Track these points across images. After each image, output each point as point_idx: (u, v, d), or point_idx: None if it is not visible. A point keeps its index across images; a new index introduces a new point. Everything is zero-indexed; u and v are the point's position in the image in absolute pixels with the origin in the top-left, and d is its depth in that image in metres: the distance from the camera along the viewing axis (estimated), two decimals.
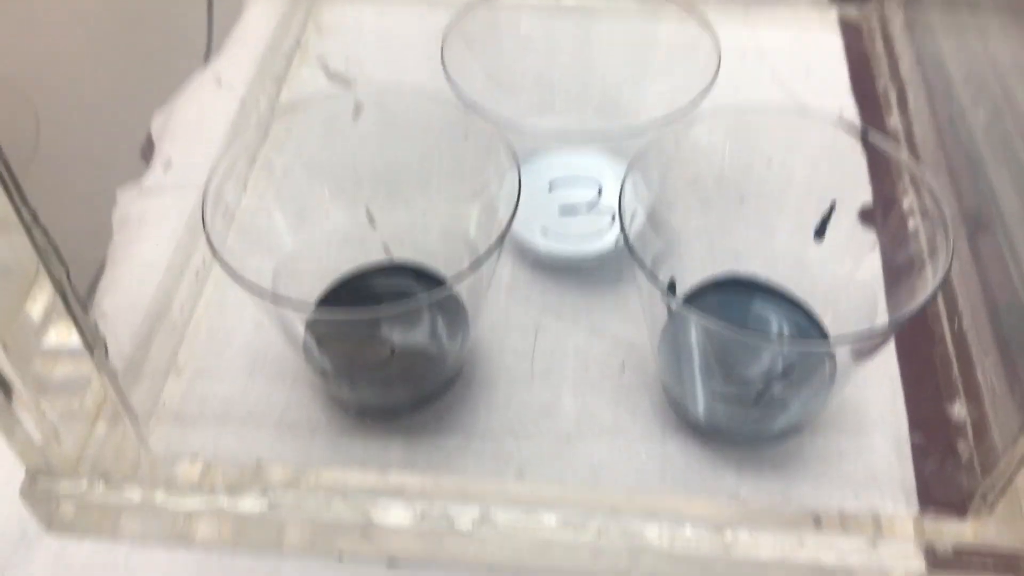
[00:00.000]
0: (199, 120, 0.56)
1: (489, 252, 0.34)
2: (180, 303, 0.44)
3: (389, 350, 0.37)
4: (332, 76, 0.39)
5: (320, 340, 0.37)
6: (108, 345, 0.35)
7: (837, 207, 0.39)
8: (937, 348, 0.43)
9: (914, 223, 0.36)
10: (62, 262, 0.31)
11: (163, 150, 0.54)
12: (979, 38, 0.56)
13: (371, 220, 0.42)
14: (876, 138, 0.38)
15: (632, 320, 0.43)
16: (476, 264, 0.34)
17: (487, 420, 0.40)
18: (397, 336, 0.37)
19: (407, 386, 0.40)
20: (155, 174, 0.52)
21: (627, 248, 0.34)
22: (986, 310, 0.43)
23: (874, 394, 0.41)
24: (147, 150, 0.55)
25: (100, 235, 0.50)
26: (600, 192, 0.44)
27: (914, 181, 0.37)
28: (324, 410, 0.40)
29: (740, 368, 0.37)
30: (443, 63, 0.43)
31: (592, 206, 0.44)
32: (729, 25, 0.48)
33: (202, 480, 0.37)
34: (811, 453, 0.39)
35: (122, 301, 0.45)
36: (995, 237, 0.46)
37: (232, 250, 0.36)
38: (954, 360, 0.42)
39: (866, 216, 0.41)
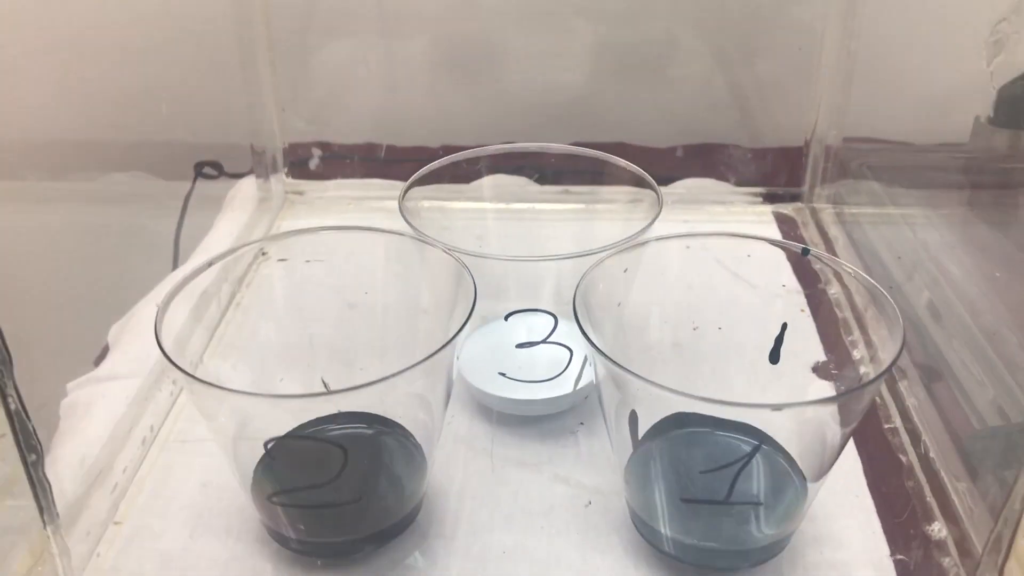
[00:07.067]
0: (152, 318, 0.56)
1: (442, 347, 0.34)
2: (123, 465, 0.42)
3: (341, 464, 0.35)
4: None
5: (277, 468, 0.36)
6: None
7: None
8: (906, 478, 0.42)
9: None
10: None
11: (116, 351, 0.54)
12: (906, 226, 0.60)
13: (326, 387, 0.42)
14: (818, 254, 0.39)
15: (595, 467, 0.43)
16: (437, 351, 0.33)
17: (446, 566, 0.38)
18: (357, 469, 0.36)
19: (362, 521, 0.37)
20: (104, 368, 0.52)
21: (591, 347, 0.34)
22: (951, 442, 0.43)
23: (849, 523, 0.39)
24: (101, 359, 0.54)
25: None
26: (556, 323, 0.44)
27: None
28: (271, 559, 0.38)
29: (711, 463, 0.36)
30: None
31: (548, 336, 0.44)
32: (668, 222, 0.47)
33: None
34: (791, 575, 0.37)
35: (63, 468, 0.43)
36: (947, 383, 0.47)
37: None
38: (926, 486, 0.41)
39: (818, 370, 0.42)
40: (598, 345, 0.34)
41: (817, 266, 0.56)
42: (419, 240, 0.41)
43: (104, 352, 0.54)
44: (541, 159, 0.56)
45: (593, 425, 0.45)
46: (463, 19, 0.73)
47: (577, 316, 0.35)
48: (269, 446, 0.34)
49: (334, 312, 0.47)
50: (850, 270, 0.39)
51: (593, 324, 0.37)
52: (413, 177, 0.47)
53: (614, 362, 0.32)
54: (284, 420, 0.36)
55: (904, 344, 0.33)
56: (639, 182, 0.49)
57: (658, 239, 0.41)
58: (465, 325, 0.35)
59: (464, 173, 0.54)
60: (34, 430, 0.31)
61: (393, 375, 0.32)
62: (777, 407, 0.31)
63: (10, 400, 0.30)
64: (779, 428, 0.38)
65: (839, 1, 0.63)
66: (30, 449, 0.31)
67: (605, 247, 0.40)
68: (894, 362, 0.33)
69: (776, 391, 0.43)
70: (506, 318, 0.44)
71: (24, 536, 0.35)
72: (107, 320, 0.58)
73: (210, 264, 0.39)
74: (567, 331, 0.45)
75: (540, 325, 0.45)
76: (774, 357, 0.40)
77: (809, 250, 0.40)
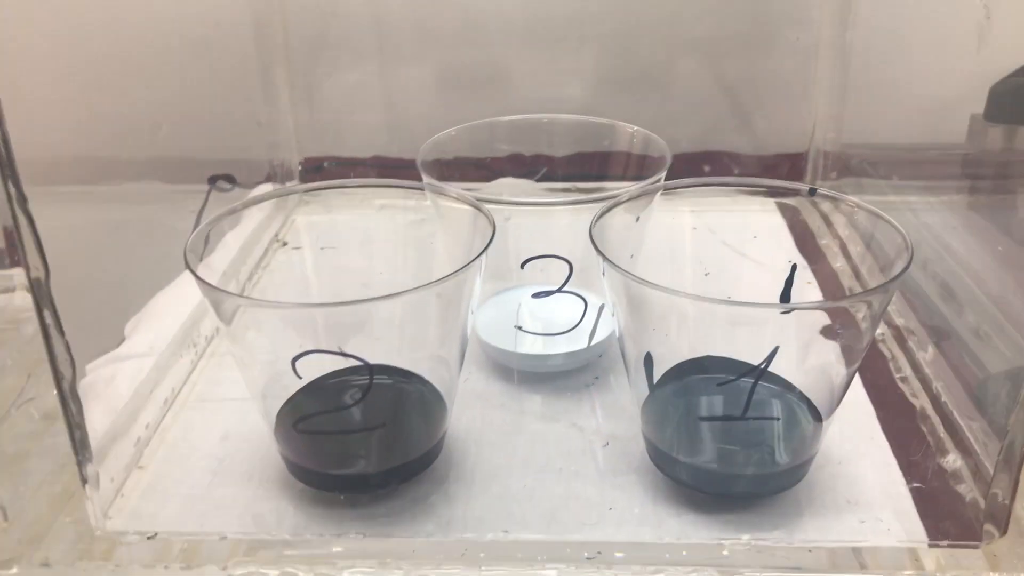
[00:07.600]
0: (169, 305, 0.57)
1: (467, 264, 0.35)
2: (146, 421, 0.43)
3: (366, 388, 0.36)
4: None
5: (303, 397, 0.37)
6: None
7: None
8: (920, 420, 0.43)
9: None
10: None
11: (133, 336, 0.55)
12: (909, 211, 0.62)
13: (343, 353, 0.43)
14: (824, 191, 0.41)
15: (612, 417, 0.43)
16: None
17: (466, 504, 0.38)
18: (381, 395, 0.37)
19: (385, 452, 0.38)
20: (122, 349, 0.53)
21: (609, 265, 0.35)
22: (962, 388, 0.43)
23: (865, 461, 0.40)
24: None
25: None
26: (571, 270, 0.44)
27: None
28: (293, 500, 0.38)
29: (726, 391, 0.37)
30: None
31: (563, 284, 0.45)
32: (673, 211, 0.49)
33: (157, 559, 0.34)
34: (808, 507, 0.37)
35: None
36: (954, 343, 0.47)
37: None
38: (939, 425, 0.41)
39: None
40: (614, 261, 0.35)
41: (823, 241, 0.57)
42: (436, 192, 0.42)
43: (121, 343, 0.55)
44: (548, 162, 0.58)
45: (607, 381, 0.46)
46: (468, 41, 0.75)
47: (594, 240, 0.36)
48: (296, 362, 0.35)
49: (349, 291, 0.48)
50: (853, 202, 0.39)
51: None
52: (432, 139, 0.49)
53: (632, 275, 0.33)
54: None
55: (911, 257, 0.34)
56: (643, 164, 0.51)
57: (668, 188, 0.42)
58: (483, 253, 0.36)
59: (473, 175, 0.56)
60: (68, 347, 0.32)
61: (418, 287, 0.33)
62: (785, 309, 0.31)
63: (45, 313, 0.31)
64: (793, 374, 0.38)
65: (832, 16, 0.65)
66: (64, 367, 0.32)
67: (618, 192, 0.41)
68: (905, 269, 0.34)
69: (784, 350, 0.44)
70: (522, 266, 0.45)
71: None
72: (122, 318, 0.59)
73: (246, 206, 0.41)
74: (582, 283, 0.46)
75: (555, 275, 0.46)
76: (785, 297, 0.41)
77: (816, 189, 0.41)
